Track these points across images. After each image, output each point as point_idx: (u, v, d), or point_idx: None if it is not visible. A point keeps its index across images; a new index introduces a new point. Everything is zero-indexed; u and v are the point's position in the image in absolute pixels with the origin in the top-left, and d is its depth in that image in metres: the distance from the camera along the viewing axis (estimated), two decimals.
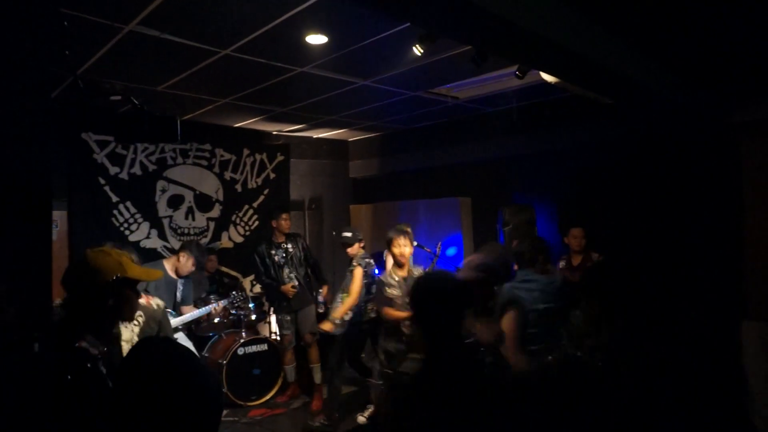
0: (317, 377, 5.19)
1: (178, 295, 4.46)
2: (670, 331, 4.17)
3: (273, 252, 5.35)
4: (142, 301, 2.73)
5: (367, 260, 4.80)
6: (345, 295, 4.65)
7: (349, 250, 4.82)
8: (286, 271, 5.30)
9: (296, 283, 5.28)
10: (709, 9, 3.07)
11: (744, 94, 4.44)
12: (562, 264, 4.78)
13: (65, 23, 2.04)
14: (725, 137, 4.62)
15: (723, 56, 3.84)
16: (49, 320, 1.10)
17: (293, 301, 5.25)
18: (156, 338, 1.58)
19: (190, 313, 4.58)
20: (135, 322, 2.70)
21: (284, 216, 5.41)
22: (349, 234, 4.83)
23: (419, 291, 1.89)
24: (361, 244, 4.90)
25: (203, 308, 4.75)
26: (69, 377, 1.38)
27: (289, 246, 5.39)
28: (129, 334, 2.68)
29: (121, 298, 1.69)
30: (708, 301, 4.39)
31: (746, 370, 4.13)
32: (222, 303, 4.91)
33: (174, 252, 4.98)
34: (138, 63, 3.99)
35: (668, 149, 4.90)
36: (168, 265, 4.41)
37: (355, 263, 4.74)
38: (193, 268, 4.51)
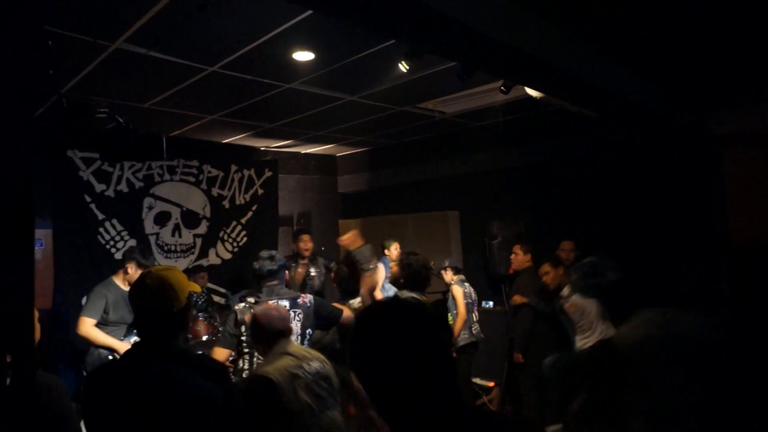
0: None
1: None
2: None
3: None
4: (300, 300, 3.16)
5: (466, 283, 5.20)
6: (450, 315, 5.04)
7: (443, 274, 5.13)
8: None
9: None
10: (690, 23, 3.14)
11: (725, 107, 4.53)
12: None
13: (49, 42, 2.04)
14: (708, 148, 4.70)
15: (704, 70, 3.93)
16: (31, 346, 1.07)
17: None
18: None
19: None
20: (297, 318, 3.08)
21: (303, 238, 5.58)
22: (446, 262, 5.23)
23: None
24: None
25: None
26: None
27: (312, 270, 5.52)
28: (295, 327, 3.03)
29: (190, 311, 1.78)
30: (695, 310, 4.41)
31: None
32: None
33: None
34: (124, 80, 3.98)
35: (653, 161, 4.97)
36: (118, 281, 4.20)
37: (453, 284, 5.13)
38: None
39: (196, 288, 1.89)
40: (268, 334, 2.44)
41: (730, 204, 4.60)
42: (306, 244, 5.52)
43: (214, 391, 1.57)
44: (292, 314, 3.06)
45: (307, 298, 3.22)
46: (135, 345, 1.69)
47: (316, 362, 2.45)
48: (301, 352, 2.48)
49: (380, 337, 1.03)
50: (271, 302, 2.91)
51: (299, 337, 3.10)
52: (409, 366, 0.99)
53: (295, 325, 3.06)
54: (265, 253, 3.24)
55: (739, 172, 4.56)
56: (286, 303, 3.08)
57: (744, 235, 4.48)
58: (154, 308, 1.64)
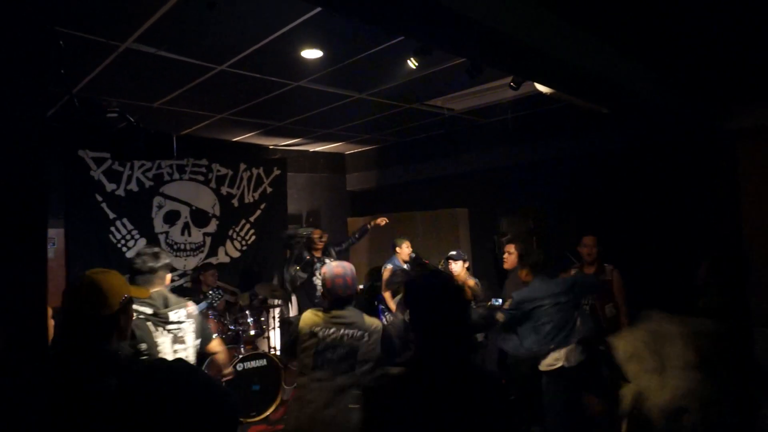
0: None
1: None
2: None
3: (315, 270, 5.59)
4: (191, 309, 2.78)
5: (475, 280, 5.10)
6: None
7: (453, 268, 5.02)
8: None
9: None
10: (703, 17, 3.10)
11: (739, 101, 4.47)
12: (573, 274, 4.65)
13: (60, 42, 2.05)
14: (722, 144, 4.64)
15: (718, 64, 3.87)
16: (45, 345, 1.08)
17: None
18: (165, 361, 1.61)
19: None
20: (192, 329, 2.74)
21: (316, 231, 5.71)
22: (453, 253, 5.07)
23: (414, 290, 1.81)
24: (466, 264, 5.07)
25: None
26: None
27: (326, 261, 5.59)
28: (189, 339, 2.75)
29: (128, 317, 1.70)
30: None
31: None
32: (200, 306, 4.85)
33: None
34: (134, 80, 4.00)
35: (666, 157, 4.91)
36: None
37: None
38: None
39: (143, 294, 1.82)
40: (331, 297, 2.72)
41: (744, 199, 4.54)
42: (321, 236, 5.70)
43: (143, 391, 1.48)
44: (187, 325, 2.70)
45: (191, 308, 2.79)
46: (64, 350, 1.62)
47: (343, 330, 2.65)
48: (336, 317, 2.68)
49: (426, 291, 1.70)
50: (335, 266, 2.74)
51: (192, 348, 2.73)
52: (436, 311, 1.64)
53: (190, 338, 2.70)
54: (148, 249, 2.72)
55: (753, 166, 4.51)
56: (182, 312, 2.68)
57: (758, 229, 4.43)
58: (78, 311, 1.58)
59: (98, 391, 1.46)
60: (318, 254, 5.73)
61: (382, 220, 6.06)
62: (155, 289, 2.64)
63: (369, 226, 6.10)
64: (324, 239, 5.78)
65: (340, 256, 5.94)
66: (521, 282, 4.31)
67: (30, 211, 1.06)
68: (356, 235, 6.20)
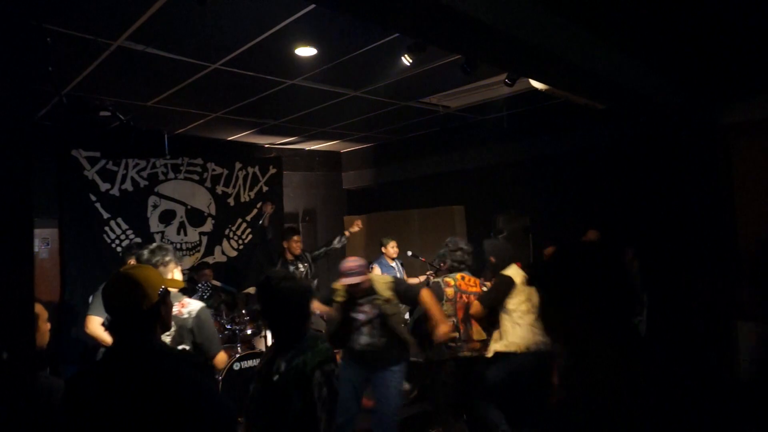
0: None
1: None
2: (665, 330, 4.18)
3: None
4: (174, 309, 2.69)
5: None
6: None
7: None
8: None
9: None
10: (697, 11, 3.09)
11: (732, 96, 4.48)
12: None
13: (48, 39, 2.03)
14: (716, 139, 4.65)
15: (711, 59, 3.87)
16: (32, 346, 1.07)
17: None
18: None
19: None
20: (168, 332, 2.61)
21: (296, 238, 5.54)
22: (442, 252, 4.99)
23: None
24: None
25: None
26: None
27: (299, 265, 5.52)
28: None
29: (167, 308, 1.74)
30: (702, 300, 4.39)
31: (741, 370, 4.13)
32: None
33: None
34: (127, 79, 3.97)
35: (660, 152, 4.92)
36: None
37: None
38: None
39: (177, 285, 1.86)
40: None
41: (738, 193, 4.55)
42: (299, 243, 5.55)
43: (195, 381, 1.57)
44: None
45: (186, 309, 2.69)
46: (112, 346, 1.68)
47: None
48: None
49: (278, 294, 2.09)
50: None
51: None
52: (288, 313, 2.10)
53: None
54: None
55: (746, 161, 4.51)
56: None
57: (751, 224, 4.43)
58: (121, 307, 1.63)
59: (156, 383, 1.53)
60: (291, 258, 5.58)
61: (355, 226, 5.90)
62: None
63: (347, 234, 5.93)
64: (300, 246, 5.66)
65: (318, 262, 5.82)
66: None
67: (16, 212, 1.04)
68: (336, 243, 5.91)
